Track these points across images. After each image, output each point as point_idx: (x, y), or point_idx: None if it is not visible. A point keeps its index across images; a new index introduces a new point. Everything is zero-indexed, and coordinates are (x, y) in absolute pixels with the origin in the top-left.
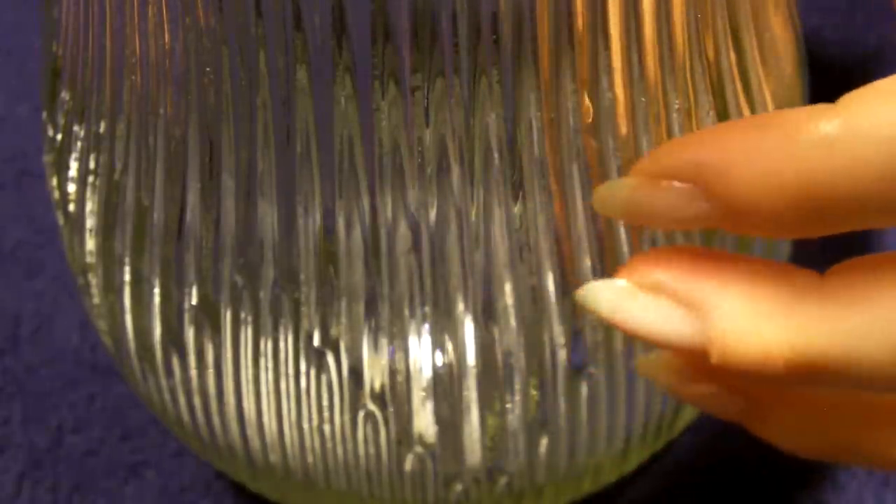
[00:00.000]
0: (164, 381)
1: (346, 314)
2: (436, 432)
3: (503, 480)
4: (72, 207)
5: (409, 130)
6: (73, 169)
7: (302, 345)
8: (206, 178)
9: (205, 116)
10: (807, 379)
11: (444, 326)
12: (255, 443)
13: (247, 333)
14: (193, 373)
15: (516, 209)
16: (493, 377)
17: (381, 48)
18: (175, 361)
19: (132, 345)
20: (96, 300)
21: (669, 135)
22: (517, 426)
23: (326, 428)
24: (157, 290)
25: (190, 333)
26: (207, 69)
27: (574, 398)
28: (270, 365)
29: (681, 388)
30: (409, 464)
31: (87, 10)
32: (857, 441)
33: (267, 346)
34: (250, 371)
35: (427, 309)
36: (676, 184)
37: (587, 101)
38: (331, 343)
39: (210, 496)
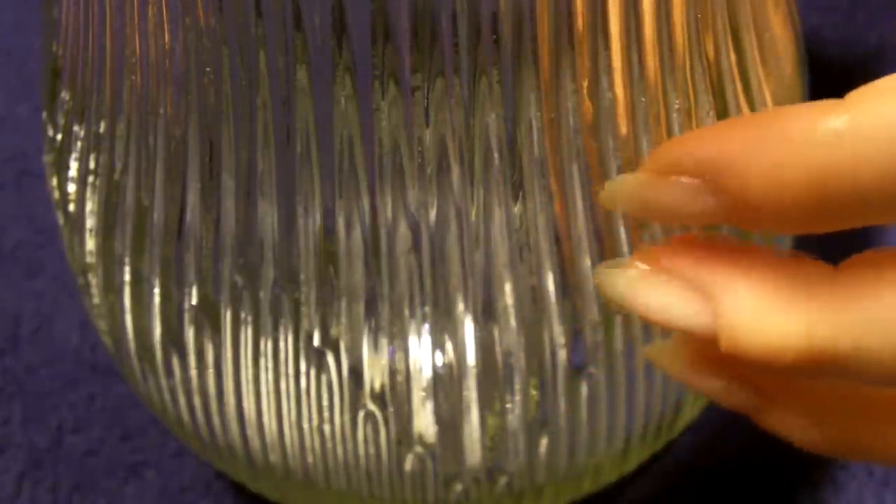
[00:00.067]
0: (164, 381)
1: (346, 314)
2: (436, 432)
3: (503, 480)
4: (72, 207)
5: (409, 130)
6: (73, 169)
7: (302, 345)
8: (206, 178)
9: (205, 116)
10: (816, 370)
11: (444, 326)
12: (255, 443)
13: (247, 333)
14: (193, 373)
15: (516, 209)
16: (493, 377)
17: (381, 48)
18: (175, 361)
19: (132, 345)
20: (96, 300)
21: (669, 135)
22: (517, 426)
23: (326, 428)
24: (157, 290)
25: (190, 333)
26: (207, 69)
27: (574, 398)
28: (270, 365)
29: (689, 376)
30: (409, 464)
31: (87, 10)
32: (864, 436)
33: (267, 346)
34: (250, 371)
35: (427, 309)
36: (684, 179)
37: (587, 101)
38: (331, 343)
39: (210, 496)
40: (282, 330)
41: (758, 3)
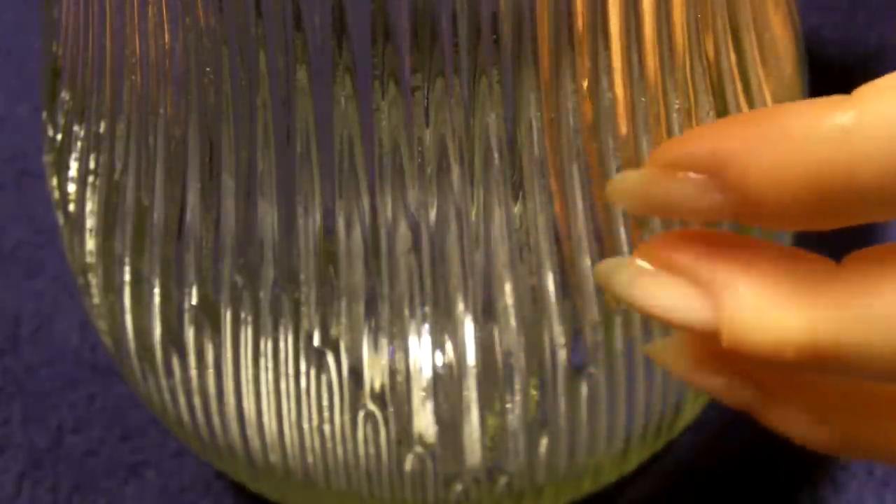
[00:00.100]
0: (164, 381)
1: (346, 314)
2: (436, 432)
3: (503, 480)
4: (72, 207)
5: (409, 130)
6: (73, 169)
7: (302, 345)
8: (206, 178)
9: (205, 116)
10: (817, 366)
11: (444, 326)
12: (255, 443)
13: (247, 333)
14: (193, 373)
15: (516, 209)
16: (493, 377)
17: (381, 48)
18: (175, 361)
19: (132, 345)
20: (96, 300)
21: (669, 135)
22: (517, 426)
23: (326, 428)
24: (157, 290)
25: (190, 333)
26: (207, 69)
27: (574, 398)
28: (270, 365)
29: (690, 373)
30: (409, 464)
31: (87, 10)
32: (866, 433)
33: (267, 346)
34: (250, 371)
35: (427, 309)
36: (691, 175)
37: (587, 101)
38: (331, 343)
39: (210, 496)
40: (282, 330)
41: (758, 3)
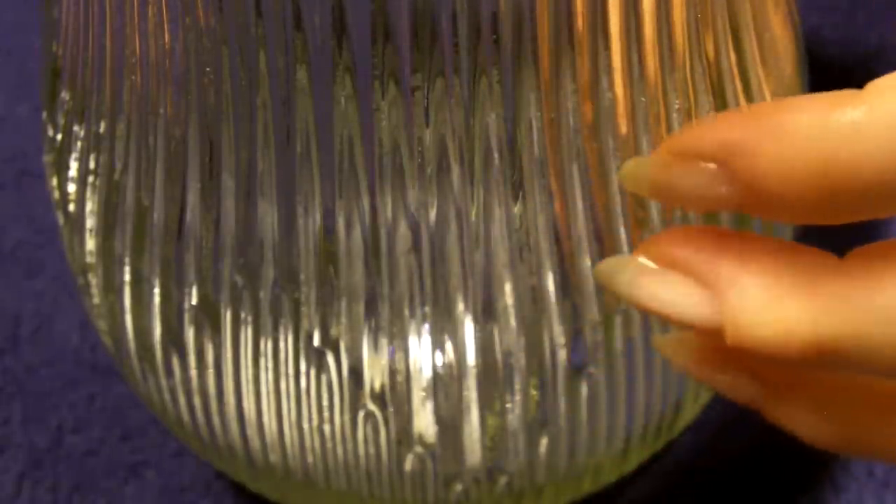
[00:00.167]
0: (164, 381)
1: (346, 314)
2: (436, 432)
3: (503, 480)
4: (72, 207)
5: (409, 130)
6: (73, 169)
7: (302, 345)
8: (206, 178)
9: (205, 116)
10: (822, 362)
11: (444, 326)
12: (255, 443)
13: (247, 333)
14: (193, 373)
15: (516, 209)
16: (493, 377)
17: (381, 48)
18: (175, 361)
19: (132, 345)
20: (96, 300)
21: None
22: (517, 426)
23: (326, 428)
24: (157, 290)
25: (190, 333)
26: (207, 69)
27: (574, 398)
28: (270, 365)
29: (695, 369)
30: (409, 464)
31: (87, 10)
32: (871, 430)
33: (267, 346)
34: (250, 371)
35: (427, 309)
36: (702, 164)
37: (587, 101)
38: (331, 343)
39: (210, 496)
40: (282, 330)
41: (758, 3)
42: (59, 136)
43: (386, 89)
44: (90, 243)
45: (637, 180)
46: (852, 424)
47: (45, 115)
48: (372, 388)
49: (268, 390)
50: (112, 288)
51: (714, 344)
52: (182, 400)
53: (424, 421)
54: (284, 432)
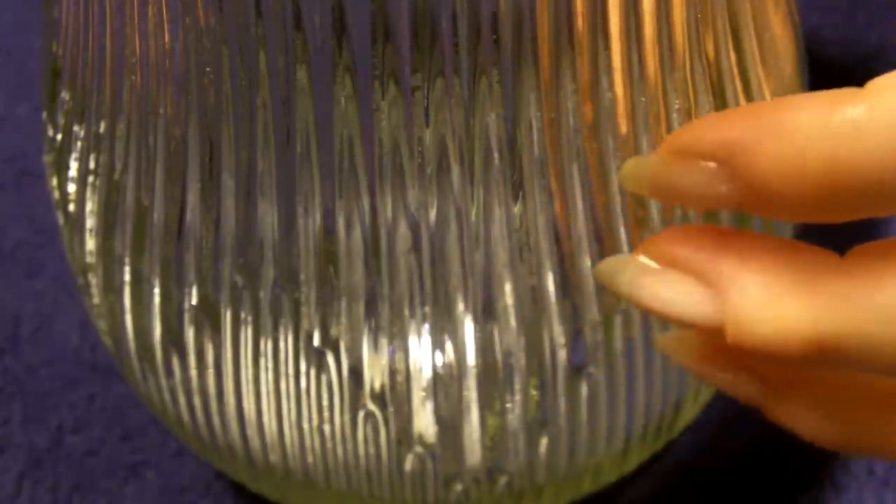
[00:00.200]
0: (164, 381)
1: (346, 314)
2: (436, 432)
3: (503, 480)
4: (72, 207)
5: (409, 130)
6: (73, 169)
7: (302, 345)
8: (206, 178)
9: (205, 116)
10: (823, 360)
11: (444, 326)
12: (255, 443)
13: (247, 333)
14: (193, 373)
15: (516, 209)
16: (493, 377)
17: (381, 48)
18: (175, 361)
19: (132, 345)
20: (96, 300)
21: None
22: (517, 426)
23: (326, 428)
24: (157, 290)
25: (190, 333)
26: (207, 69)
27: (574, 398)
28: (270, 365)
29: (697, 367)
30: (409, 464)
31: (87, 10)
32: (872, 428)
33: (267, 346)
34: (250, 371)
35: (427, 309)
36: (702, 163)
37: (587, 101)
38: (331, 343)
39: (210, 496)
40: (282, 330)
41: (758, 3)
42: (59, 136)
43: (386, 89)
44: (90, 243)
45: (637, 180)
46: (853, 422)
47: (45, 115)
48: (372, 388)
49: (268, 390)
50: (112, 288)
51: (715, 342)
52: (182, 400)
53: (424, 421)
54: (284, 432)
